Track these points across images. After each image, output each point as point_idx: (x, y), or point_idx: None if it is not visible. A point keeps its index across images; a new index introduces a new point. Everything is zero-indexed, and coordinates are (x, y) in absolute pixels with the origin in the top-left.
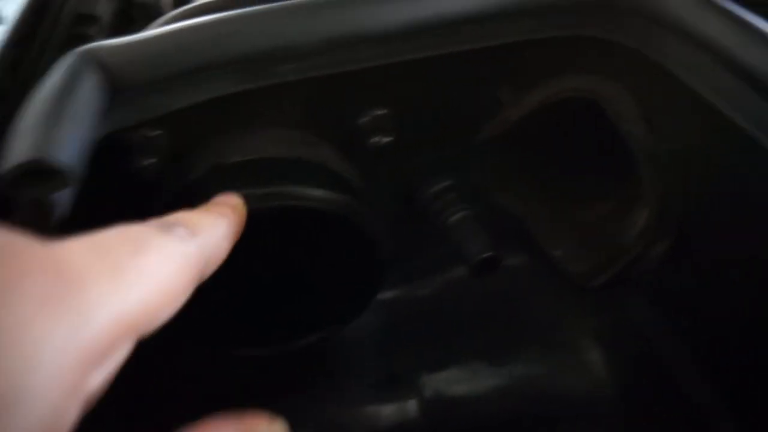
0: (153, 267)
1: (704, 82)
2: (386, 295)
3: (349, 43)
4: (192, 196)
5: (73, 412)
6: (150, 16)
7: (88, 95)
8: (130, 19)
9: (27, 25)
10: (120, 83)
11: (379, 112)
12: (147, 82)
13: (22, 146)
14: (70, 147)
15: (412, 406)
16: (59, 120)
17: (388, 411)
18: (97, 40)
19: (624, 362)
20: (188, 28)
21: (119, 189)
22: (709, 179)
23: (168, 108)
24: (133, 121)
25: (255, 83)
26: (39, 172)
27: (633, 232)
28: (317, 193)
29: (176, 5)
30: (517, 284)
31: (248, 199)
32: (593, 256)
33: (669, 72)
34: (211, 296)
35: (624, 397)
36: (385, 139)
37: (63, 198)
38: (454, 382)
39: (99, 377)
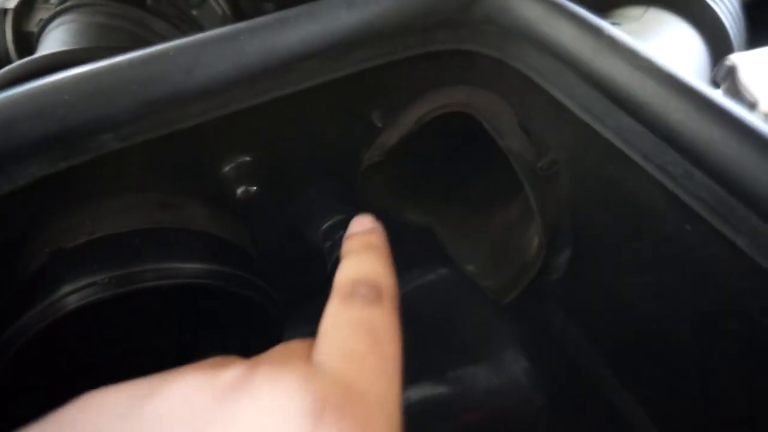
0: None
1: (566, 92)
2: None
3: (170, 104)
4: (32, 292)
5: None
6: None
7: None
8: None
9: None
10: None
11: (243, 159)
12: None
13: None
14: None
15: None
16: None
17: None
18: None
19: (548, 373)
20: None
21: None
22: (590, 188)
23: None
24: None
25: (77, 159)
26: None
27: (532, 247)
28: (177, 266)
29: (20, 56)
30: (441, 298)
31: (95, 288)
32: (502, 270)
33: (534, 82)
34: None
35: (551, 408)
36: (253, 188)
37: None
38: None
39: None
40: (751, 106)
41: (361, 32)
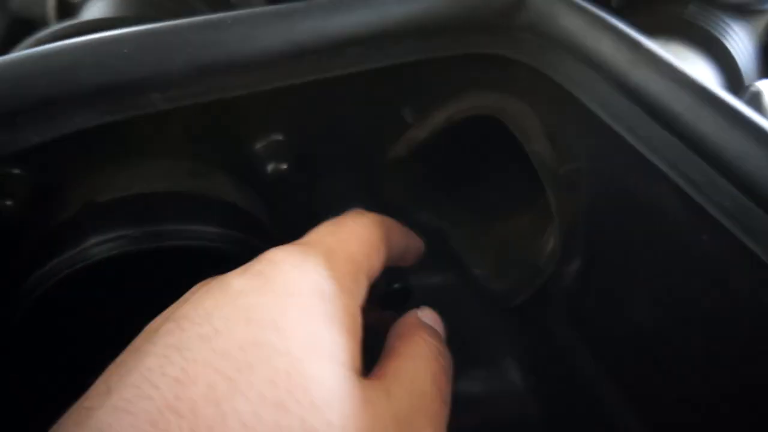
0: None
1: (597, 101)
2: None
3: (220, 71)
4: (61, 241)
5: None
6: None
7: None
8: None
9: None
10: None
11: (276, 138)
12: None
13: None
14: None
15: None
16: None
17: None
18: None
19: (548, 384)
20: (39, 55)
21: None
22: (610, 198)
23: (22, 144)
24: None
25: (122, 114)
26: None
27: (546, 250)
28: (203, 229)
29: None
30: (443, 300)
31: (124, 241)
32: (511, 275)
33: (566, 90)
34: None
35: (548, 418)
36: (284, 166)
37: None
38: None
39: None
40: None
41: (407, 25)
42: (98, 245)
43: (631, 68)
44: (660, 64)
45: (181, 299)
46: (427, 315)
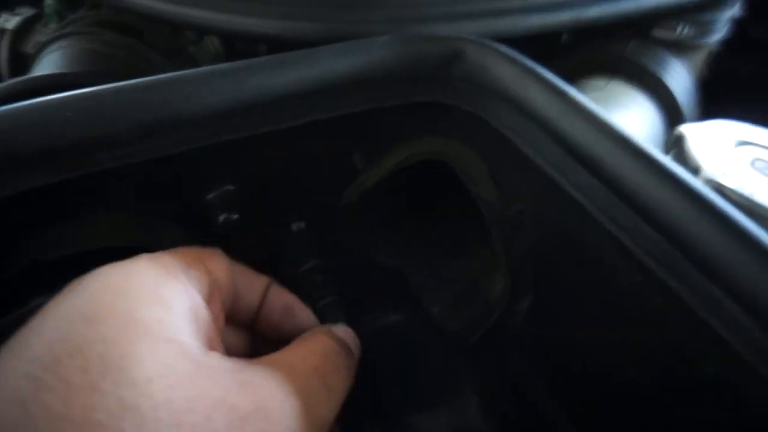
0: None
1: (534, 148)
2: None
3: (166, 129)
4: (9, 298)
5: None
6: None
7: None
8: None
9: None
10: None
11: (227, 188)
12: None
13: None
14: None
15: None
16: None
17: None
18: None
19: (504, 416)
20: None
21: None
22: (552, 238)
23: None
24: None
25: (68, 174)
26: None
27: (496, 290)
28: None
29: (12, 75)
30: (400, 340)
31: None
32: (465, 313)
33: (505, 135)
34: None
35: None
36: (234, 216)
37: None
38: None
39: None
40: (695, 171)
41: (351, 80)
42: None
43: (558, 117)
44: (586, 115)
45: None
46: (340, 329)
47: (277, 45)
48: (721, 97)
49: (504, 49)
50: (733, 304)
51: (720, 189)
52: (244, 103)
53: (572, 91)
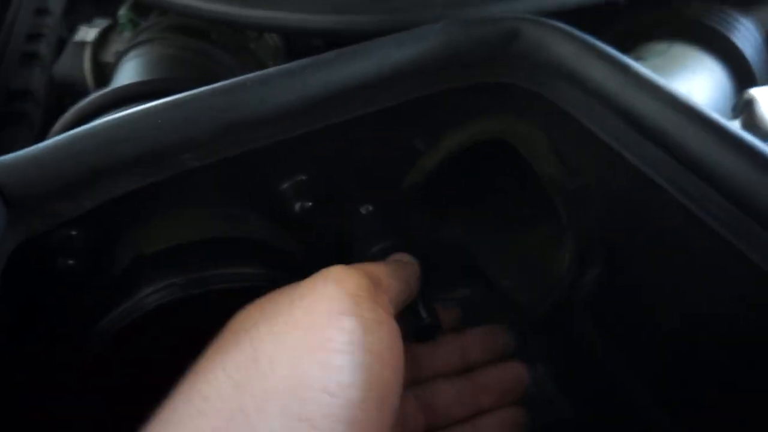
0: None
1: (596, 123)
2: None
3: (242, 129)
4: (118, 292)
5: None
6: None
7: None
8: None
9: None
10: (15, 199)
11: (300, 178)
12: (43, 194)
13: None
14: None
15: None
16: None
17: None
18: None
19: (577, 386)
20: (86, 134)
21: (44, 294)
22: (618, 210)
23: (76, 211)
24: (42, 229)
25: (159, 176)
26: None
27: (565, 261)
28: (241, 271)
29: (97, 83)
30: (471, 314)
31: (173, 289)
32: (536, 284)
33: (567, 113)
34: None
35: (580, 422)
36: (309, 203)
37: None
38: None
39: None
40: (765, 136)
41: (409, 68)
42: (151, 294)
43: (620, 91)
44: (648, 86)
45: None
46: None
47: (333, 38)
48: None
49: (560, 25)
50: None
51: None
52: (311, 99)
53: (633, 64)
